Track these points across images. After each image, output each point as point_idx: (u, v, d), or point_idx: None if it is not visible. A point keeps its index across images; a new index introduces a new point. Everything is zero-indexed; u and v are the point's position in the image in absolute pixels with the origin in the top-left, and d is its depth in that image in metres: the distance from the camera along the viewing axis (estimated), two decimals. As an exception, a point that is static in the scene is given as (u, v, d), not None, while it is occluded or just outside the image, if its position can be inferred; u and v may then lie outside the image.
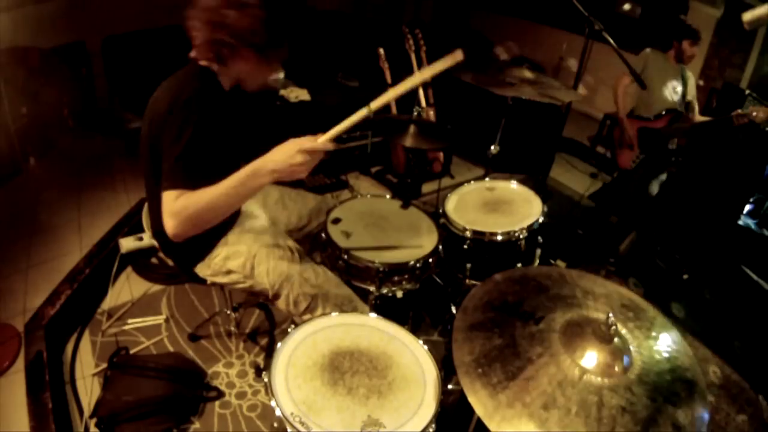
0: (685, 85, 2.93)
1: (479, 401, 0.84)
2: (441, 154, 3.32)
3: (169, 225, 1.21)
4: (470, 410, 0.84)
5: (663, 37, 2.93)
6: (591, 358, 0.89)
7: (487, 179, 2.07)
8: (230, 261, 1.46)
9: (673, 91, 2.92)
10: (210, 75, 1.34)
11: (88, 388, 1.81)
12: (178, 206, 1.19)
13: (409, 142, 1.79)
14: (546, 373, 0.87)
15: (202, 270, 1.50)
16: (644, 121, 2.95)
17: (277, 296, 1.46)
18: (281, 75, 3.72)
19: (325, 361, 1.16)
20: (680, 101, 2.93)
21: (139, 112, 1.38)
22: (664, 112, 2.87)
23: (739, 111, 2.49)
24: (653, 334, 0.98)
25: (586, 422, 0.80)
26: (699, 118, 2.96)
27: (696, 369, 0.92)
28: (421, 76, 1.29)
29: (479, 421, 0.82)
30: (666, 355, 0.94)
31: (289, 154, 1.22)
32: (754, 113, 2.41)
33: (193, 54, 1.34)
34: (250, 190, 1.25)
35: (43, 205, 2.81)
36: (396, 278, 1.59)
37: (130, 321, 2.10)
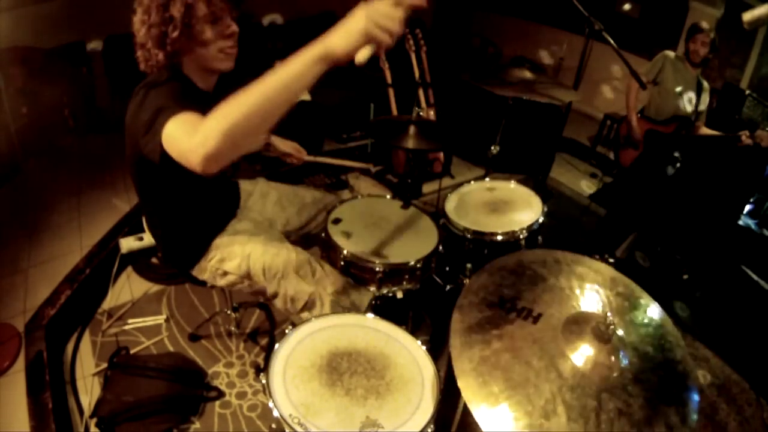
0: (699, 94, 2.92)
1: (478, 404, 0.83)
2: (441, 154, 3.32)
3: (203, 149, 0.90)
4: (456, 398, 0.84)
5: (674, 41, 2.91)
6: (590, 359, 0.89)
7: (487, 179, 2.07)
8: (225, 263, 1.45)
9: (687, 99, 2.90)
10: (180, 75, 1.31)
11: (88, 388, 1.81)
12: (208, 126, 0.91)
13: (409, 143, 1.79)
14: (546, 378, 0.87)
15: (200, 273, 1.50)
16: (653, 124, 2.94)
17: (275, 295, 1.46)
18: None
19: (323, 362, 1.16)
20: (693, 110, 2.92)
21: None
22: (673, 118, 2.87)
23: (747, 133, 2.50)
24: (642, 320, 1.00)
25: (585, 425, 0.80)
26: (705, 130, 2.95)
27: (680, 343, 0.94)
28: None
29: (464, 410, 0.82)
30: (650, 329, 0.97)
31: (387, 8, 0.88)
32: (760, 139, 2.42)
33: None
34: (318, 70, 0.91)
35: (43, 205, 2.81)
36: (396, 278, 1.59)
37: (130, 321, 2.10)
